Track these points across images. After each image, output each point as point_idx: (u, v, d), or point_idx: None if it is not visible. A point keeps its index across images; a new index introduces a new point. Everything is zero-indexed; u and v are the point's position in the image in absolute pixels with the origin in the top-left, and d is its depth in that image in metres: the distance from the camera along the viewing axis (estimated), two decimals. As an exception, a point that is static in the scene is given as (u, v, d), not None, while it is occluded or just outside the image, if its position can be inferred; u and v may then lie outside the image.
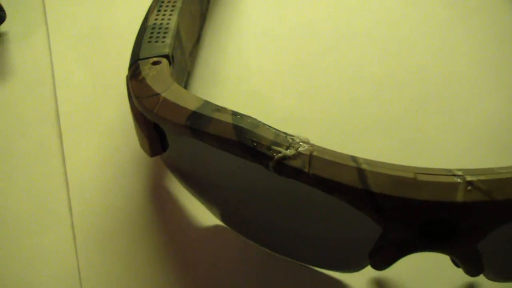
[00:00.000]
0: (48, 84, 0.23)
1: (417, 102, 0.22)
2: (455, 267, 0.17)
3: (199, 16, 0.24)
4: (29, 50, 0.24)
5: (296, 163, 0.15)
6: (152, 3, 0.21)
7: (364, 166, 0.15)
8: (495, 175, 0.15)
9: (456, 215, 0.15)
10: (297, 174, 0.15)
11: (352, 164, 0.15)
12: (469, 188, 0.14)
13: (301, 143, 0.15)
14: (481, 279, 0.18)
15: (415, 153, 0.21)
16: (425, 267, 0.18)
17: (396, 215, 0.15)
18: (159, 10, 0.21)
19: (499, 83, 0.22)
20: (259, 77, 0.23)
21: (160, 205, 0.20)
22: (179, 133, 0.17)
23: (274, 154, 0.15)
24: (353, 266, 0.17)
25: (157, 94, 0.17)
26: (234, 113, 0.16)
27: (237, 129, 0.16)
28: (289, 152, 0.15)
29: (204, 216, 0.19)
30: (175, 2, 0.21)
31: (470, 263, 0.16)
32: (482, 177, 0.15)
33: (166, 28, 0.20)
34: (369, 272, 0.18)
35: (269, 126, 0.16)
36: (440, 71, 0.23)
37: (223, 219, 0.19)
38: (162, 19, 0.21)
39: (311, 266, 0.18)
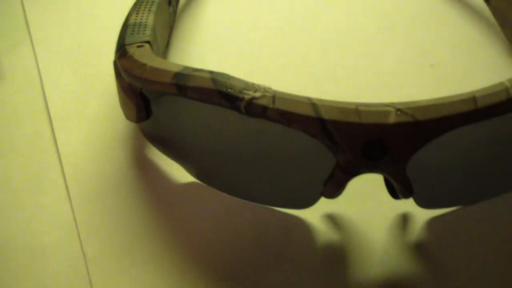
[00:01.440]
0: (36, 85, 0.27)
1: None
2: (394, 203, 0.21)
3: (168, 25, 0.28)
4: (17, 59, 0.28)
5: (262, 102, 0.19)
6: (131, 9, 0.25)
7: (316, 102, 0.19)
8: (418, 104, 0.19)
9: (389, 134, 0.19)
10: (263, 110, 0.19)
11: (307, 101, 0.19)
12: (398, 113, 0.19)
13: (266, 89, 0.19)
14: (413, 209, 0.22)
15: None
16: (368, 204, 0.22)
17: (342, 138, 0.19)
18: (137, 13, 0.25)
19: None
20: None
21: (143, 169, 0.23)
22: (165, 91, 0.20)
23: (245, 96, 0.19)
24: (309, 199, 0.21)
25: (144, 64, 0.21)
26: (210, 71, 0.20)
27: (214, 80, 0.20)
28: (257, 94, 0.19)
29: (181, 175, 0.23)
30: (151, 6, 0.25)
31: (402, 181, 0.20)
32: (408, 105, 0.19)
33: (145, 25, 0.24)
34: (321, 209, 0.22)
35: (239, 78, 0.20)
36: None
37: (197, 175, 0.23)
38: (141, 19, 0.25)
39: (275, 208, 0.22)
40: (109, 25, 0.30)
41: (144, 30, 0.24)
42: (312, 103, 0.19)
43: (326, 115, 0.19)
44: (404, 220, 0.22)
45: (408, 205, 0.21)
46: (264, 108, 0.19)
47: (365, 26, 0.30)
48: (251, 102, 0.19)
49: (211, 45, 0.29)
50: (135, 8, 0.25)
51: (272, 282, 0.20)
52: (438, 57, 0.28)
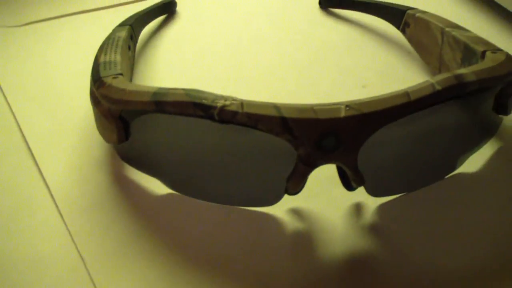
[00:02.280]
0: (13, 127, 0.29)
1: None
2: (348, 196, 0.25)
3: (129, 67, 0.31)
4: (-10, 107, 0.30)
5: (233, 108, 0.22)
6: (97, 52, 0.29)
7: (278, 104, 0.23)
8: (363, 100, 0.23)
9: (341, 127, 0.22)
10: (233, 115, 0.22)
11: (270, 104, 0.23)
12: (347, 108, 0.22)
13: (233, 98, 0.23)
14: (364, 199, 0.25)
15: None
16: (325, 198, 0.25)
17: (302, 132, 0.22)
18: (105, 54, 0.28)
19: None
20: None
21: (122, 186, 0.26)
22: (145, 109, 0.24)
23: (218, 104, 0.23)
24: (275, 196, 0.24)
25: (124, 89, 0.24)
26: (183, 88, 0.24)
27: (189, 94, 0.23)
28: (227, 102, 0.23)
29: (157, 188, 0.26)
30: (116, 48, 0.29)
31: (354, 169, 0.23)
32: (355, 102, 0.23)
33: (115, 62, 0.27)
34: (285, 205, 0.25)
35: (208, 91, 0.23)
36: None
37: (173, 186, 0.25)
38: (110, 58, 0.28)
39: (244, 207, 0.25)
40: (70, 69, 0.33)
41: (115, 66, 0.27)
42: (275, 106, 0.22)
43: (287, 114, 0.22)
44: (357, 208, 0.25)
45: (359, 196, 0.25)
46: (234, 113, 0.22)
47: (302, 57, 0.34)
48: (223, 109, 0.22)
49: (168, 83, 0.32)
50: (101, 51, 0.28)
51: (249, 266, 0.23)
52: (368, 80, 0.32)
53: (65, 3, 0.38)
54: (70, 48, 0.34)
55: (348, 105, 0.22)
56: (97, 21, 0.37)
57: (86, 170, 0.27)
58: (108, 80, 0.25)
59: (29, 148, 0.28)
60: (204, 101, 0.23)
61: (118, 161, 0.27)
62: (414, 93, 0.23)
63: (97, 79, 0.26)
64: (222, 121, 0.23)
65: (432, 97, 0.23)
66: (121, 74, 0.26)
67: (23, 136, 0.28)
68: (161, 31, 0.36)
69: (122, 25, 0.32)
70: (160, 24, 0.37)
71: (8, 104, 0.30)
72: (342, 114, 0.22)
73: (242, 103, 0.22)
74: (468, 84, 0.24)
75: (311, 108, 0.22)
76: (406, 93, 0.23)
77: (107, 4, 0.38)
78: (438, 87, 0.23)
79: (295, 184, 0.23)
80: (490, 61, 0.26)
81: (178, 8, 0.38)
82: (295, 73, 0.32)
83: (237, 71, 0.33)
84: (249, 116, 0.22)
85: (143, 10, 0.34)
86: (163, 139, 0.24)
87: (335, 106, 0.22)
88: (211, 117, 0.23)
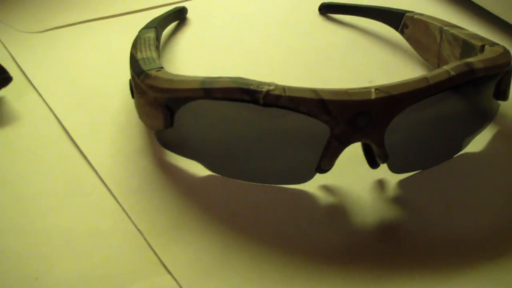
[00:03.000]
0: (53, 120, 0.31)
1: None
2: (371, 174, 0.28)
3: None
4: (28, 104, 0.32)
5: (276, 92, 0.25)
6: (131, 50, 0.31)
7: (316, 89, 0.25)
8: (390, 84, 0.26)
9: (372, 107, 0.25)
10: (277, 99, 0.25)
11: (309, 88, 0.25)
12: (377, 91, 0.25)
13: (274, 84, 0.26)
14: (386, 176, 0.28)
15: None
16: (351, 176, 0.28)
17: (338, 112, 0.25)
18: (140, 51, 0.31)
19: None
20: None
21: (165, 169, 0.28)
22: (193, 96, 0.26)
23: (263, 89, 0.25)
24: (307, 174, 0.27)
25: (171, 79, 0.27)
26: (228, 76, 0.26)
27: (235, 81, 0.26)
28: (271, 87, 0.26)
29: (198, 171, 0.28)
30: (149, 46, 0.31)
31: (381, 146, 0.26)
32: (383, 86, 0.26)
33: (153, 58, 0.30)
34: (316, 183, 0.28)
35: (252, 79, 0.26)
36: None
37: (213, 167, 0.28)
38: (146, 54, 0.30)
39: (278, 185, 0.28)
40: (96, 69, 0.35)
41: (154, 61, 0.29)
42: (313, 90, 0.25)
43: (325, 97, 0.25)
44: (380, 184, 0.28)
45: (381, 173, 0.28)
46: (278, 97, 0.25)
47: (308, 58, 0.37)
48: (268, 93, 0.25)
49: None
50: (136, 49, 0.31)
51: (288, 234, 0.26)
52: (373, 76, 0.35)
53: (81, 11, 0.41)
54: (92, 51, 0.37)
55: (377, 88, 0.25)
56: (113, 27, 0.39)
57: (129, 156, 0.29)
58: (153, 73, 0.28)
59: (72, 140, 0.30)
60: (251, 87, 0.25)
61: (158, 148, 0.29)
62: (433, 78, 0.26)
63: (140, 72, 0.28)
64: (266, 104, 0.25)
65: (448, 81, 0.26)
66: (161, 67, 0.29)
67: (65, 130, 0.31)
68: (175, 35, 0.39)
69: (147, 27, 0.34)
70: (173, 29, 0.39)
71: (44, 100, 0.33)
72: (373, 96, 0.25)
73: (284, 87, 0.25)
74: (477, 70, 0.27)
75: (346, 91, 0.25)
76: (425, 78, 0.26)
77: (119, 12, 0.41)
78: (453, 73, 0.26)
79: (328, 161, 0.26)
80: (490, 52, 0.29)
81: (188, 15, 0.41)
82: (304, 73, 0.35)
83: (246, 72, 0.35)
84: (291, 99, 0.25)
85: (161, 15, 0.37)
86: (206, 124, 0.27)
87: (365, 89, 0.25)
88: (256, 101, 0.25)
